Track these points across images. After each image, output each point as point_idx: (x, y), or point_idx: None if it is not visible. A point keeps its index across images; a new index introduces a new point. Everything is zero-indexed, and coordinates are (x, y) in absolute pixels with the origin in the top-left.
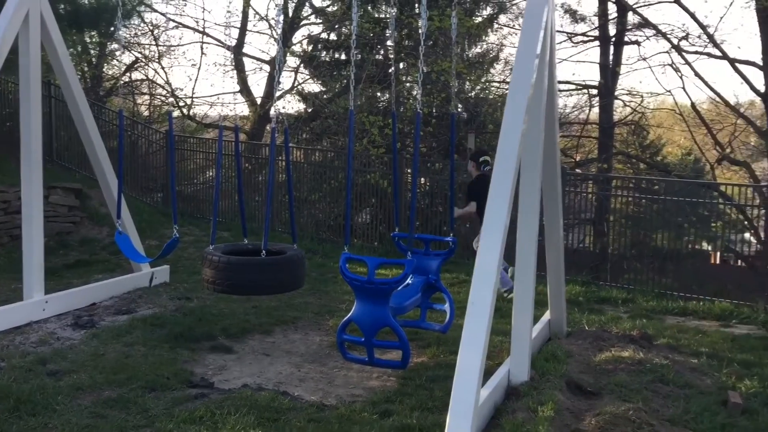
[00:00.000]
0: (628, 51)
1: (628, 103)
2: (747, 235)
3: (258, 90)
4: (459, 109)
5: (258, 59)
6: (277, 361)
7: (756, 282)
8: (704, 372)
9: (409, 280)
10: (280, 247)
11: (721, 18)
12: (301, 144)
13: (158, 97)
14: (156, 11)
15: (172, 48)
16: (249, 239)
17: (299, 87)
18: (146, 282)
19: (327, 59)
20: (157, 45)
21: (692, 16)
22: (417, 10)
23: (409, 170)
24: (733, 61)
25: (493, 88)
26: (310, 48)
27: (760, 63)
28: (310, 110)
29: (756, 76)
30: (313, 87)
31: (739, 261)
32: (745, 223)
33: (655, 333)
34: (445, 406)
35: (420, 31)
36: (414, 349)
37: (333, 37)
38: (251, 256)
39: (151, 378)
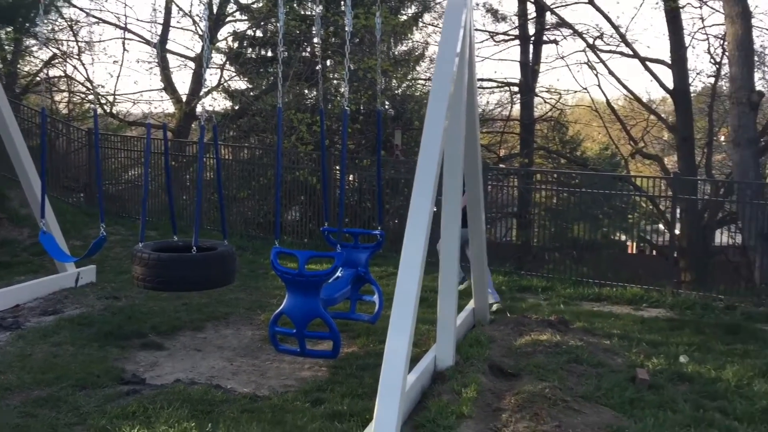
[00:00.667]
0: (547, 50)
1: (547, 100)
2: (660, 225)
3: (183, 87)
4: (386, 106)
5: (183, 56)
6: (209, 355)
7: (665, 268)
8: (616, 352)
9: (339, 273)
10: (210, 243)
11: (632, 18)
12: (229, 142)
13: (78, 94)
14: (75, 6)
15: (92, 44)
16: (178, 237)
17: (225, 84)
18: (72, 282)
19: (253, 56)
20: (76, 41)
21: (605, 16)
22: (343, 8)
23: (337, 167)
24: (643, 60)
25: (419, 86)
26: (235, 45)
27: (669, 61)
28: (236, 108)
29: (666, 74)
30: (240, 84)
31: (653, 250)
32: (655, 212)
33: (571, 318)
34: (375, 392)
35: (346, 29)
36: (344, 340)
37: (259, 33)
38: (182, 252)
39: (81, 376)
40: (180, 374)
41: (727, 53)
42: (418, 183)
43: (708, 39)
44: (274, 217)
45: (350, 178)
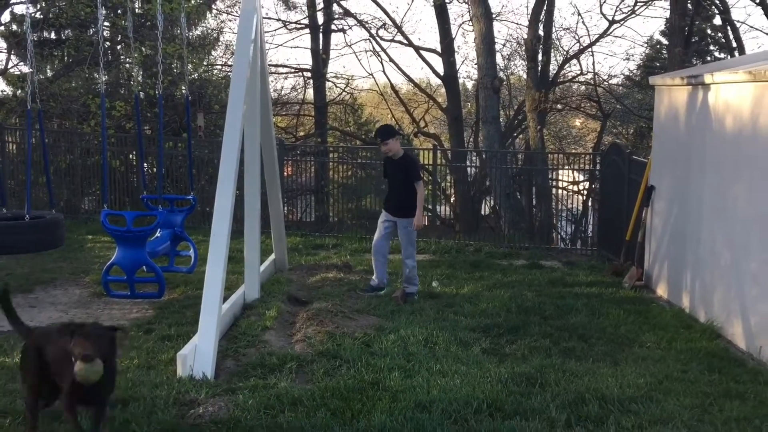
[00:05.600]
0: (336, 38)
1: (338, 85)
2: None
3: None
4: (184, 90)
5: None
6: (44, 310)
7: (444, 232)
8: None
9: (158, 233)
10: (39, 212)
11: (406, 12)
12: (22, 127)
13: None
14: None
15: None
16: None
17: (13, 70)
18: None
19: (34, 38)
20: None
21: (382, 8)
22: None
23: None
24: (417, 48)
25: (215, 71)
26: (14, 27)
27: (440, 50)
28: (19, 93)
29: (439, 62)
30: (24, 69)
31: (439, 222)
32: (429, 178)
33: (355, 263)
34: (197, 321)
35: (158, 15)
36: (166, 289)
37: (39, 15)
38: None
39: None
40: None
41: (475, 46)
42: (225, 153)
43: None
44: (101, 181)
45: (150, 161)
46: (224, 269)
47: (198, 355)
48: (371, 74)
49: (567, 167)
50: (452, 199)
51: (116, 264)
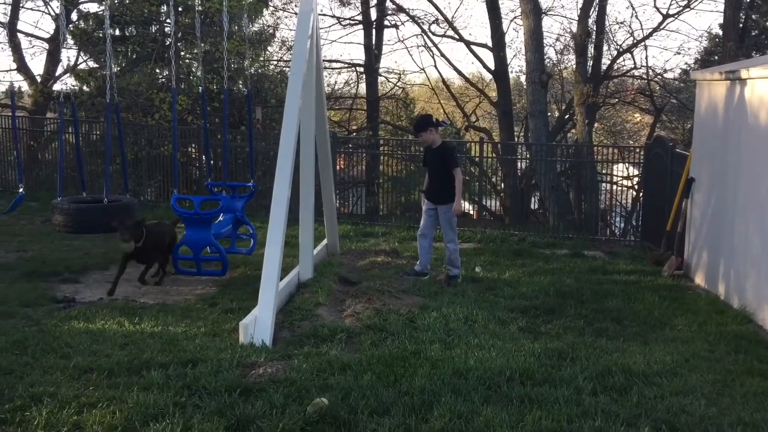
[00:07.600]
0: (388, 33)
1: (390, 80)
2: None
3: (38, 67)
4: (241, 85)
5: (36, 36)
6: (120, 284)
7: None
8: (431, 268)
9: (221, 217)
10: (115, 197)
11: (457, 8)
12: (90, 120)
13: None
14: None
15: None
16: (85, 194)
17: (82, 65)
18: None
19: (101, 35)
20: None
21: (434, 4)
22: None
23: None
24: (468, 43)
25: (272, 66)
26: (81, 24)
27: (491, 45)
28: (86, 88)
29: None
30: (94, 64)
31: (489, 214)
32: (476, 171)
33: (402, 250)
34: (255, 297)
35: (224, 16)
36: (228, 269)
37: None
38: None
39: (22, 299)
40: (100, 296)
41: (524, 41)
42: (283, 144)
43: (523, 26)
44: (172, 167)
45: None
46: (281, 248)
47: (258, 325)
48: (423, 69)
49: (617, 161)
50: (501, 194)
51: (185, 243)
